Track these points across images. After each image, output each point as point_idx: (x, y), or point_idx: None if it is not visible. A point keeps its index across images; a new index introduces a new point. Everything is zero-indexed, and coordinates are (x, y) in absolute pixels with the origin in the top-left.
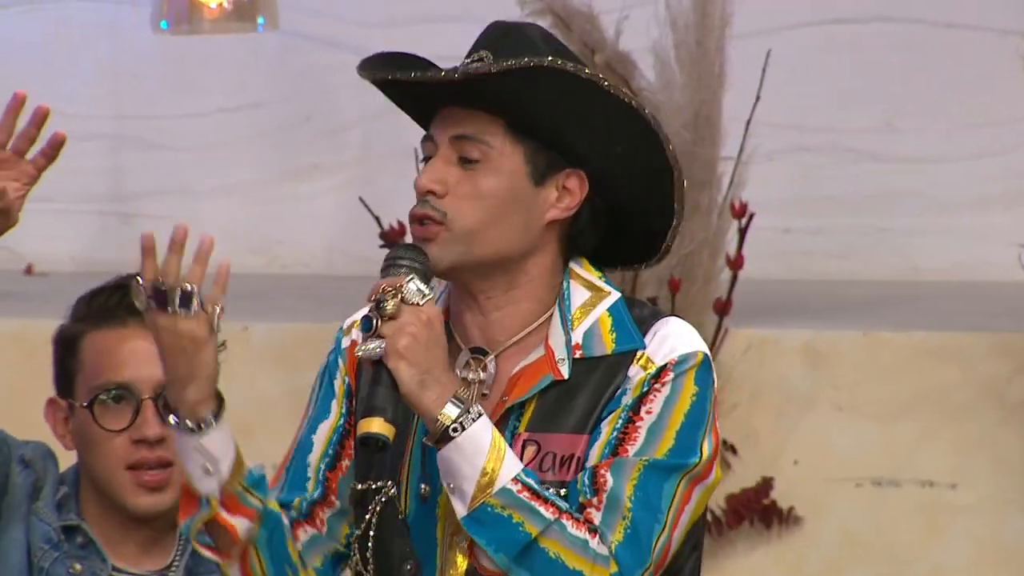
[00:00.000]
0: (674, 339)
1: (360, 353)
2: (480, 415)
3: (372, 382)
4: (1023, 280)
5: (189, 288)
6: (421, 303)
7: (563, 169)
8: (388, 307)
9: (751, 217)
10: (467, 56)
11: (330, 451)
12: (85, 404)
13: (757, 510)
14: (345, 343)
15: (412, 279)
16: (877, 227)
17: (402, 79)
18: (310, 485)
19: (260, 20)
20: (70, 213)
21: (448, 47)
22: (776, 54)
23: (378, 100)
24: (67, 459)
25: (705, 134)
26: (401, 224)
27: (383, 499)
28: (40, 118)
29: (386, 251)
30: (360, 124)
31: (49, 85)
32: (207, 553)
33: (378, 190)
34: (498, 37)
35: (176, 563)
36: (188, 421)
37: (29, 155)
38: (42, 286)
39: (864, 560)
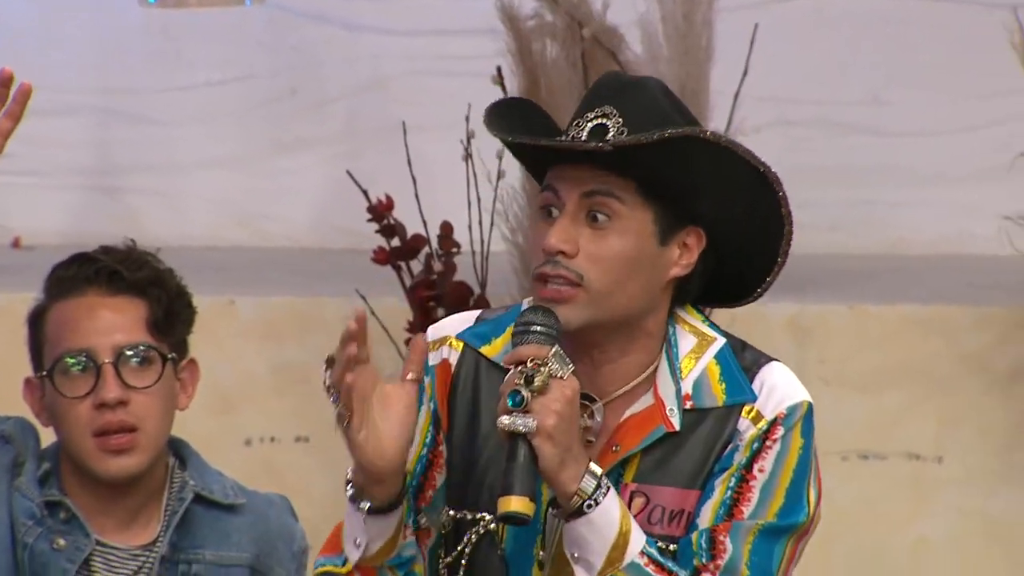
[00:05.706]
0: (781, 390)
1: (506, 426)
2: (609, 488)
3: (509, 457)
4: (1008, 253)
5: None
6: (565, 377)
7: (685, 227)
8: (536, 382)
9: None
10: (587, 109)
11: (414, 482)
12: (46, 373)
13: None
14: (433, 360)
15: (556, 350)
16: (864, 200)
17: (547, 147)
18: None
19: None
20: (57, 187)
21: (435, 22)
22: (763, 27)
23: (365, 74)
24: (48, 437)
25: (692, 108)
26: (389, 198)
27: (480, 530)
28: (22, 95)
29: (373, 225)
30: (347, 97)
31: (35, 58)
32: None
33: (365, 164)
34: (618, 93)
35: (161, 538)
36: (357, 496)
37: None
38: (29, 259)
39: (850, 533)
